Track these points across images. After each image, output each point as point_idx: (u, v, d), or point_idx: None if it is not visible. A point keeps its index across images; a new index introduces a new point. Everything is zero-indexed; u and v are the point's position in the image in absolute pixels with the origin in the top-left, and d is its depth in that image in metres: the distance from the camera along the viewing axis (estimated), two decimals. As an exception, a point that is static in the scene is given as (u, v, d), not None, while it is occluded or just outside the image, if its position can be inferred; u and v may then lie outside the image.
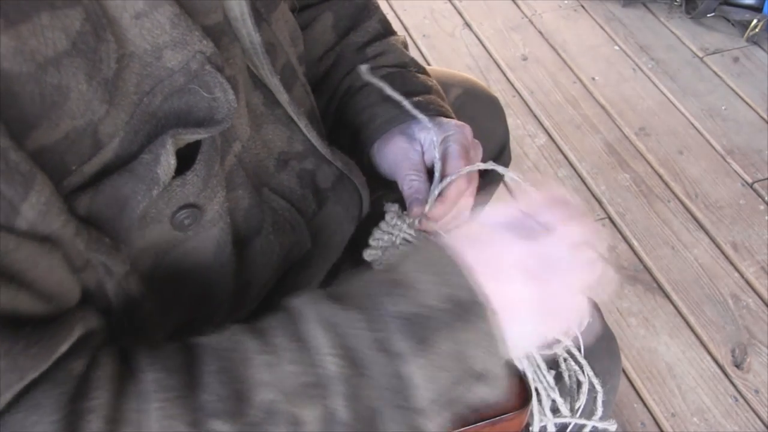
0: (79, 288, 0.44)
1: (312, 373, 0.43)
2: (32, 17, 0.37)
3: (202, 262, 0.52)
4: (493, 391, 0.47)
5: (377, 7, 0.77)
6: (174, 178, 0.46)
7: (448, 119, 0.68)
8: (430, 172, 0.67)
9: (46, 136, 0.40)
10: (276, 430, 0.42)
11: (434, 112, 0.68)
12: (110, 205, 0.44)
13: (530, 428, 0.64)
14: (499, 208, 0.51)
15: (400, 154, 0.67)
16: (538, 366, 0.61)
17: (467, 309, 0.45)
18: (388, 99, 0.69)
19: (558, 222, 0.49)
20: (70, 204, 0.42)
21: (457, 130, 0.66)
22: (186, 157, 0.47)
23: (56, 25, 0.38)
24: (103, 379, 0.41)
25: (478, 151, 0.68)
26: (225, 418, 0.41)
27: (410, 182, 0.65)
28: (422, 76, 0.74)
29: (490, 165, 0.64)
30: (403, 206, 0.65)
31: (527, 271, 0.47)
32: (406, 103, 0.65)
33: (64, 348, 0.40)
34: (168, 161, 0.44)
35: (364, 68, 0.69)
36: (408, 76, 0.72)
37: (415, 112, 0.66)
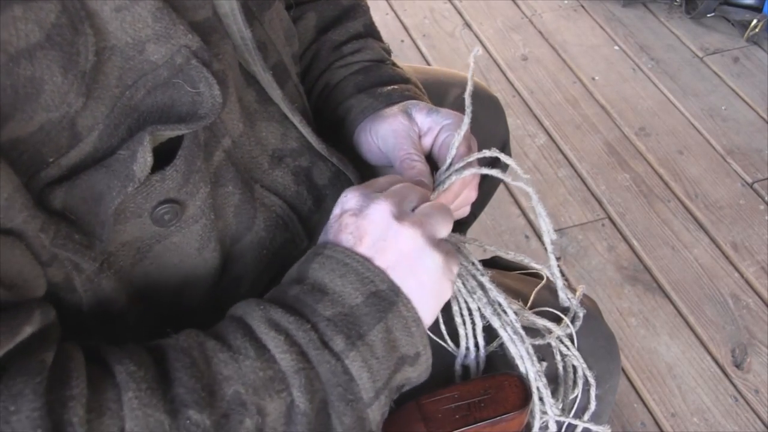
0: (44, 280, 0.44)
1: (271, 368, 0.46)
2: (4, 9, 0.37)
3: (186, 257, 0.52)
4: (419, 371, 0.52)
5: (365, 12, 0.76)
6: (153, 173, 0.45)
7: (446, 109, 0.66)
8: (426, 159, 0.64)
9: (20, 128, 0.40)
10: (245, 420, 0.44)
11: (408, 99, 0.67)
12: (86, 199, 0.44)
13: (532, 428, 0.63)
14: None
15: (402, 131, 0.64)
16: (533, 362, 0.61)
17: (386, 298, 0.49)
18: (363, 90, 0.68)
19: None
20: (46, 196, 0.42)
21: (456, 119, 0.64)
22: (169, 152, 0.46)
23: (29, 17, 0.38)
24: (78, 370, 0.41)
25: (474, 144, 0.67)
26: (199, 408, 0.43)
27: (412, 162, 0.62)
28: (399, 69, 0.72)
29: (495, 152, 0.61)
30: None
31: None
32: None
33: (28, 330, 0.40)
34: (144, 158, 0.44)
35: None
36: (384, 68, 0.71)
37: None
